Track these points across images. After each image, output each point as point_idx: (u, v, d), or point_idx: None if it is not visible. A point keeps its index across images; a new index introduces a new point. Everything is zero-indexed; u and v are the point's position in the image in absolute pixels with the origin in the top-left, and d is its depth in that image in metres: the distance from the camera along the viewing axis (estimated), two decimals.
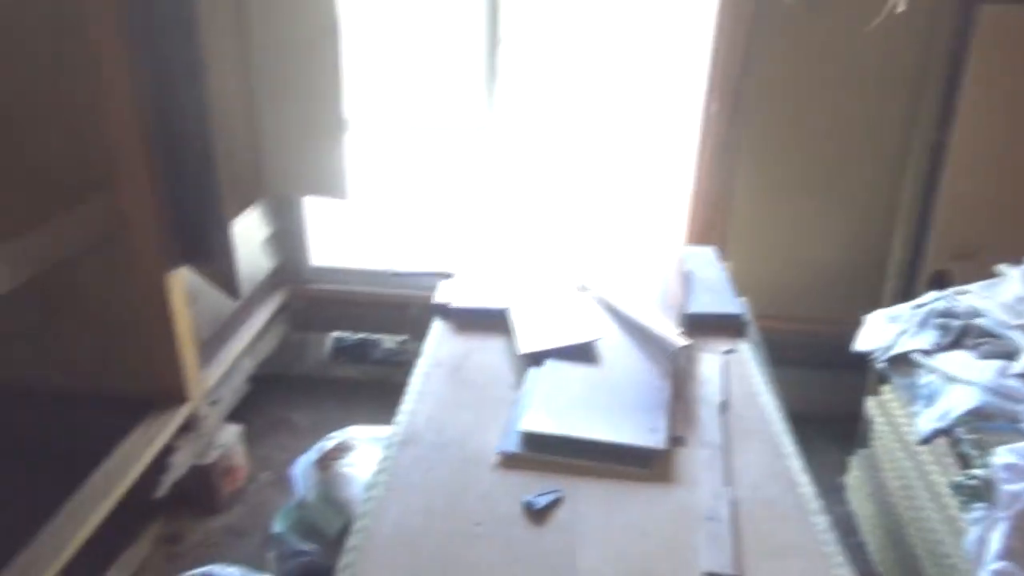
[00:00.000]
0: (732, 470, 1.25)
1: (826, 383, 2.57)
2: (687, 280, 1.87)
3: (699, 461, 1.27)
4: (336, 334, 2.66)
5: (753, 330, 1.81)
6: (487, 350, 1.59)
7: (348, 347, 2.67)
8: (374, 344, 2.66)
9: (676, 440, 1.31)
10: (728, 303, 1.79)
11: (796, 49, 2.28)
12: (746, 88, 2.32)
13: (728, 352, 1.63)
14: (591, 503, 1.16)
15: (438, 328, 1.67)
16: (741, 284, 2.36)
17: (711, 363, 1.57)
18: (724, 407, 1.43)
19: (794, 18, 2.21)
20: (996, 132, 2.17)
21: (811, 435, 2.54)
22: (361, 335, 2.67)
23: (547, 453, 1.26)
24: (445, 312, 1.71)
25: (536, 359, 1.51)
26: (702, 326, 1.68)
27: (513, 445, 1.28)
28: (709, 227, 2.46)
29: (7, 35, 1.58)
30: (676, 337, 1.54)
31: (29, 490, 1.59)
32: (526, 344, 1.55)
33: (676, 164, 2.60)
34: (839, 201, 2.46)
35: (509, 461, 1.26)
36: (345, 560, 1.02)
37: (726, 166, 2.40)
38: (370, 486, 1.19)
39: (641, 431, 1.29)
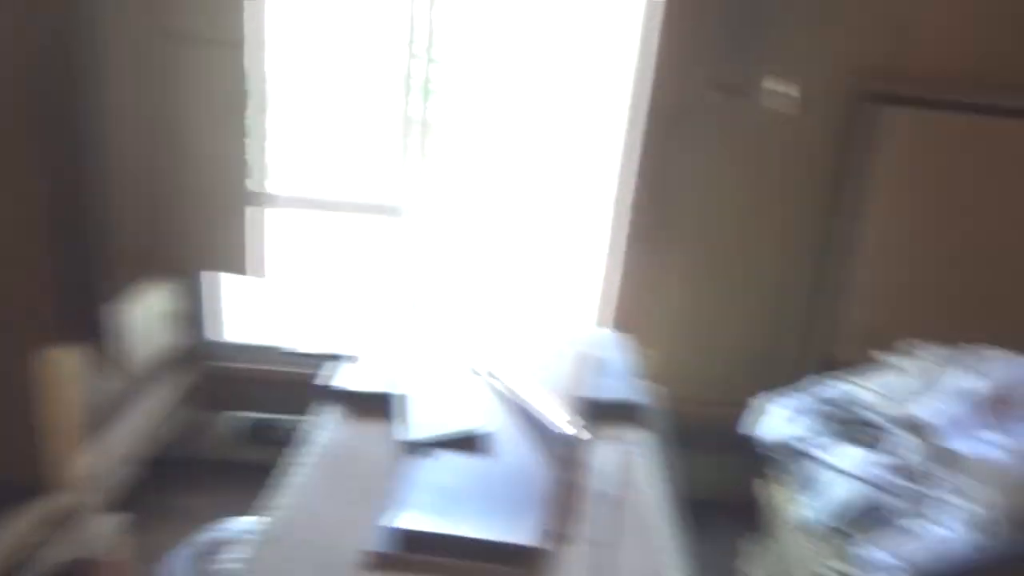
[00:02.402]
0: (610, 570, 1.21)
1: (745, 467, 2.57)
2: (589, 365, 1.86)
3: (578, 561, 1.23)
4: (246, 414, 2.57)
5: (658, 418, 1.80)
6: (374, 439, 1.53)
7: (258, 428, 2.57)
8: (286, 425, 2.57)
9: (559, 538, 1.26)
10: (630, 389, 1.77)
11: (711, 139, 2.37)
12: (667, 176, 2.38)
13: (628, 442, 1.60)
14: None
15: (324, 412, 1.61)
16: (653, 370, 2.36)
17: (608, 454, 1.54)
18: (616, 502, 1.39)
19: (713, 109, 2.29)
20: (899, 225, 2.27)
21: (719, 520, 2.53)
22: (273, 416, 2.57)
23: (421, 552, 1.21)
24: (333, 395, 1.66)
25: (422, 449, 1.46)
26: (602, 414, 1.65)
27: (384, 544, 1.22)
28: (621, 311, 2.48)
29: None
30: (569, 426, 1.51)
31: None
32: (409, 432, 1.50)
33: (589, 245, 2.63)
34: (748, 287, 2.52)
35: (379, 561, 1.19)
36: None
37: (640, 250, 2.43)
38: None
39: (517, 528, 1.25)
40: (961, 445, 1.30)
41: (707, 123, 2.32)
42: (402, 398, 1.62)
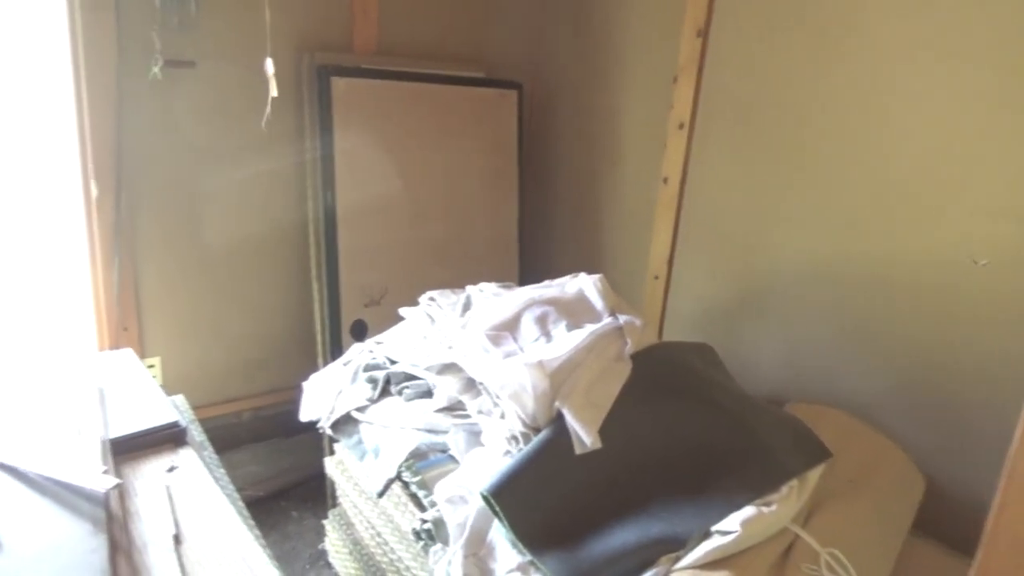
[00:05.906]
0: None
1: (292, 450, 2.56)
2: (102, 398, 1.59)
3: None
4: None
5: (196, 431, 1.63)
6: None
7: None
8: None
9: None
10: (158, 412, 1.57)
11: (172, 122, 2.18)
12: (128, 167, 2.12)
13: (172, 469, 1.42)
14: None
15: None
16: (173, 381, 2.15)
17: (153, 490, 1.35)
18: (178, 540, 1.23)
19: (162, 91, 2.12)
20: (363, 188, 2.43)
21: (292, 508, 2.50)
22: None
23: None
24: None
25: None
26: (135, 447, 1.44)
27: None
28: (122, 327, 2.17)
29: None
30: (98, 480, 1.27)
31: None
32: None
33: (69, 261, 2.22)
34: (256, 273, 2.45)
35: None
36: None
37: (124, 255, 2.14)
38: None
39: None
40: (483, 374, 1.48)
41: (168, 104, 2.16)
42: None
